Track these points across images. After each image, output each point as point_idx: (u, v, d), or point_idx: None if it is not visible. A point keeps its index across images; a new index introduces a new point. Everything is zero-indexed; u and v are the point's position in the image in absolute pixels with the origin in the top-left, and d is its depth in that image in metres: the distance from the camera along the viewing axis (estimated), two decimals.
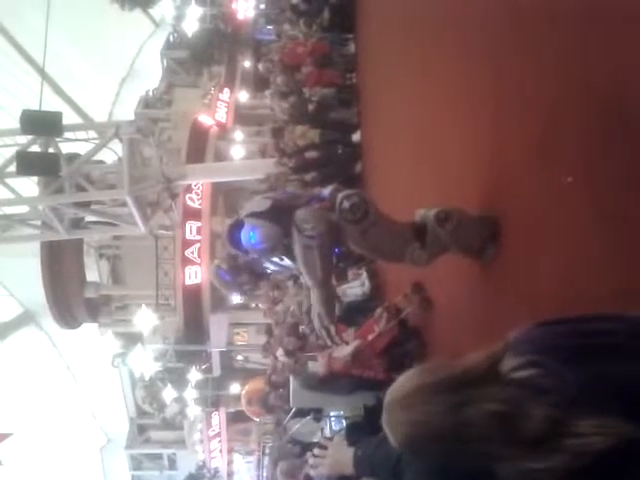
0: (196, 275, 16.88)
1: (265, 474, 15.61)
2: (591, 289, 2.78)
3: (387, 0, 8.99)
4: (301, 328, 8.59)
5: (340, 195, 3.63)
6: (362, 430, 5.58)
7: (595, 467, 1.14)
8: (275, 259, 3.76)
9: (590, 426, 1.15)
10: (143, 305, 16.25)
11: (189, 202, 16.83)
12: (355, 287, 8.59)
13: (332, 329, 3.90)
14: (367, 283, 8.39)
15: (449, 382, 1.27)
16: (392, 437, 1.35)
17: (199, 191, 17.04)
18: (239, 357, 19.36)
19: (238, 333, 18.45)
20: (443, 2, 5.72)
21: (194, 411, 18.69)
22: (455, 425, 1.23)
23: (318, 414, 8.19)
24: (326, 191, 3.76)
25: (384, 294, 7.80)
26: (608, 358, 1.27)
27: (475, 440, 1.22)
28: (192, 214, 16.91)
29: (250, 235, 3.58)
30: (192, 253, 16.90)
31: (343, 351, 5.93)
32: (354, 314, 8.25)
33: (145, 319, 16.09)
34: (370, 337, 5.92)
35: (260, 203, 3.72)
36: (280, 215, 3.59)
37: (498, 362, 1.27)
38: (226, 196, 17.42)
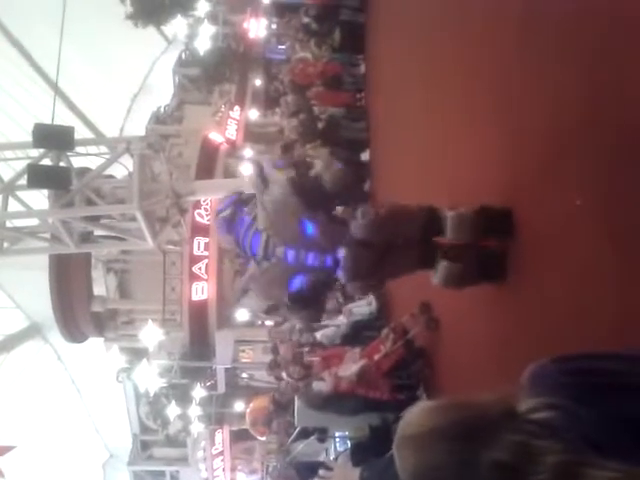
0: (203, 291, 16.86)
1: None
2: (603, 310, 2.75)
3: (396, 20, 9.06)
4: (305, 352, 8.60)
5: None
6: (367, 450, 5.52)
7: None
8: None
9: (604, 477, 1.09)
10: (149, 320, 16.22)
11: (198, 218, 16.88)
12: (362, 306, 8.57)
13: None
14: (374, 302, 8.37)
15: (461, 427, 1.23)
16: (400, 473, 1.33)
17: (208, 207, 17.09)
18: (244, 375, 19.27)
19: (244, 350, 18.37)
20: (453, 22, 5.76)
21: (198, 428, 18.57)
22: (464, 473, 1.20)
23: (322, 434, 8.12)
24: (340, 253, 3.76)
25: (391, 313, 7.77)
26: (622, 396, 1.24)
27: None
28: (200, 230, 16.94)
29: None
30: (199, 269, 16.91)
31: (349, 370, 5.90)
32: (361, 333, 8.22)
33: (151, 334, 16.06)
34: (376, 357, 5.90)
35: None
36: None
37: (513, 405, 1.24)
38: None
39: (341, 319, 8.68)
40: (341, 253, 3.65)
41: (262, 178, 3.73)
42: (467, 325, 4.67)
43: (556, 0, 3.56)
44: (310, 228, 3.67)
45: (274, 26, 21.27)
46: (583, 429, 1.17)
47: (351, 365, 5.93)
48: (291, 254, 3.66)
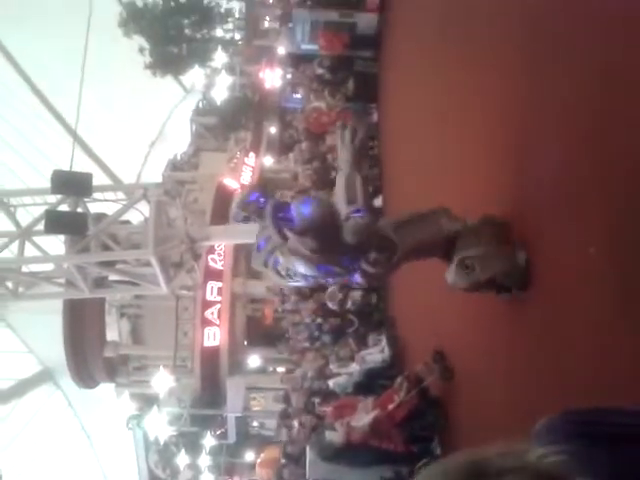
0: (215, 337, 16.77)
1: None
2: (618, 358, 2.70)
3: (407, 71, 9.24)
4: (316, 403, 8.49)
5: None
6: None
7: None
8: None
9: None
10: (161, 366, 16.10)
11: (211, 263, 16.94)
12: (375, 353, 8.47)
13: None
14: (387, 350, 8.27)
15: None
16: None
17: (221, 252, 17.16)
18: (255, 423, 18.97)
19: (255, 398, 18.13)
20: (461, 65, 5.85)
21: (207, 478, 18.21)
22: None
23: None
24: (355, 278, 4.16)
25: (404, 361, 7.67)
26: (627, 446, 1.23)
27: None
28: (214, 275, 16.98)
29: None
30: (212, 314, 16.86)
31: (361, 421, 5.78)
32: (374, 381, 8.10)
33: (162, 381, 15.92)
34: (390, 407, 5.78)
35: None
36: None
37: (523, 455, 1.21)
38: (248, 258, 17.47)
39: (354, 367, 8.57)
40: (357, 278, 4.17)
41: (281, 235, 3.99)
42: (484, 374, 4.59)
43: (561, 16, 3.60)
44: (328, 267, 4.10)
45: (289, 76, 21.74)
46: (596, 469, 1.14)
47: (364, 415, 5.82)
48: (311, 279, 4.20)
